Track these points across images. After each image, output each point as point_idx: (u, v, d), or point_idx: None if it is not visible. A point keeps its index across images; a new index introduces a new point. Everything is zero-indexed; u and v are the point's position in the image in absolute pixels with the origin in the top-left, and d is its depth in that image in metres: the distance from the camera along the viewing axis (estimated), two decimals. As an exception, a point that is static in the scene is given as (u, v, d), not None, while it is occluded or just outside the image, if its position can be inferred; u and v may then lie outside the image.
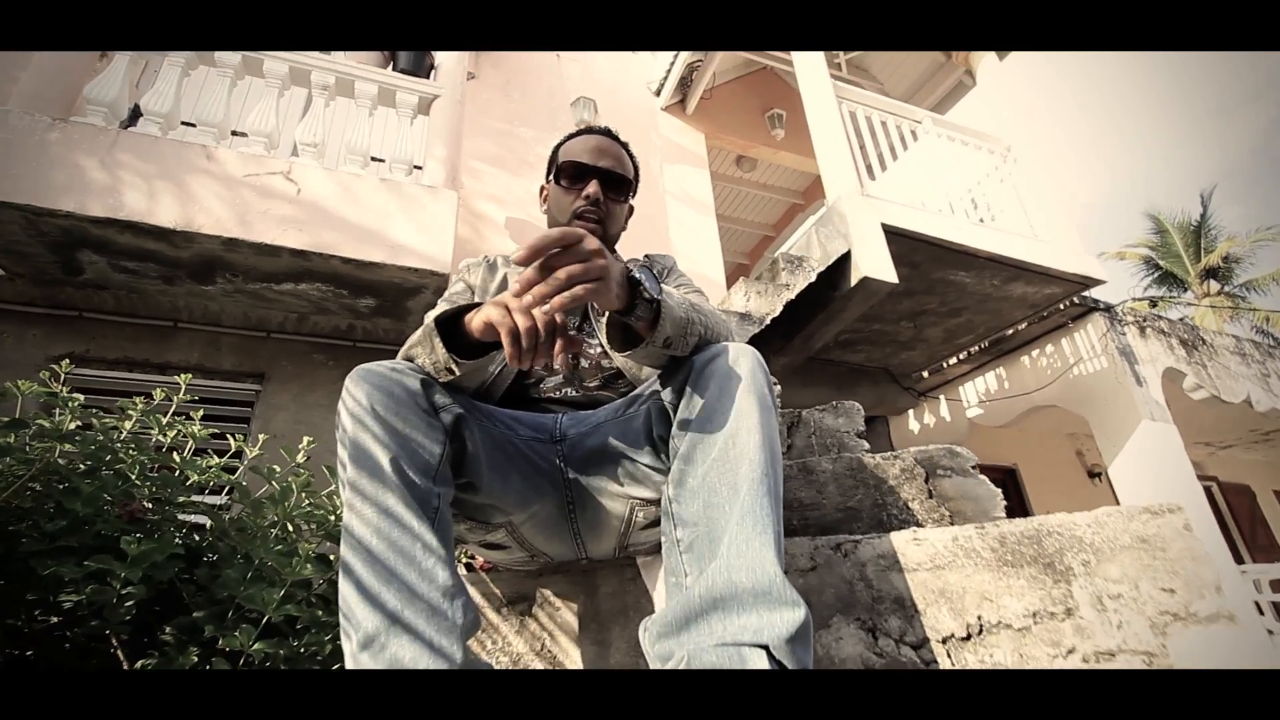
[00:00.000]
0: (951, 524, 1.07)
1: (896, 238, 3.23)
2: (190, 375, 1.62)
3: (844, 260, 3.09)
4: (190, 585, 1.32)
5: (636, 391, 0.87)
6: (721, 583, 0.60)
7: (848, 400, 1.44)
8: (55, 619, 1.28)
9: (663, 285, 0.77)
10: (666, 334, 0.75)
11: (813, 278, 2.97)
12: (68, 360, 1.60)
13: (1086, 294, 4.47)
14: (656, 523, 0.87)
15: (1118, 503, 6.02)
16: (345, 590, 0.65)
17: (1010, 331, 4.89)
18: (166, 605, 1.39)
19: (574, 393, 0.99)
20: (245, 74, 2.81)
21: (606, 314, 0.76)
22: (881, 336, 4.45)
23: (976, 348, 5.14)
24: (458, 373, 0.77)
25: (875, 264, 3.04)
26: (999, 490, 1.07)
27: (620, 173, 1.11)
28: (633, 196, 1.18)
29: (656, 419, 0.80)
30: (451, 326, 0.79)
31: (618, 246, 1.22)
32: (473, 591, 1.03)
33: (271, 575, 1.27)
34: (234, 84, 2.77)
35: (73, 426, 1.40)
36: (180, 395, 1.58)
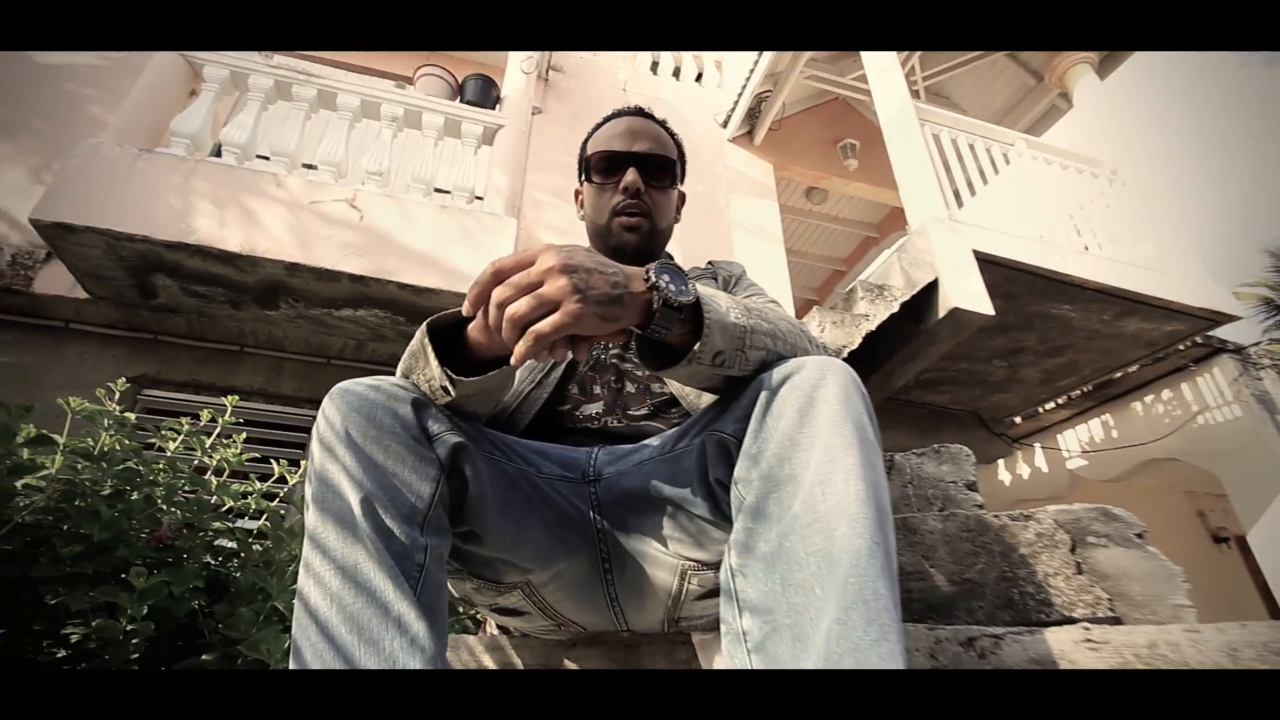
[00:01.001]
0: (1111, 609, 0.80)
1: (989, 266, 2.91)
2: (236, 398, 1.56)
3: (930, 290, 2.80)
4: (211, 621, 1.22)
5: (690, 420, 0.67)
6: None
7: (952, 445, 1.19)
8: (64, 652, 1.20)
9: (701, 286, 0.58)
10: (716, 346, 0.55)
11: (895, 308, 2.70)
12: (124, 379, 1.57)
13: (1211, 334, 3.95)
14: (717, 591, 0.66)
15: (1255, 574, 5.21)
16: None
17: (1119, 374, 4.36)
18: (189, 640, 1.29)
19: (616, 422, 0.80)
20: (320, 107, 2.89)
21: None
22: (969, 376, 4.05)
23: (1079, 391, 4.61)
24: (454, 394, 0.60)
25: (967, 294, 2.73)
26: (1179, 568, 0.80)
27: (661, 154, 0.93)
28: (681, 181, 0.99)
29: (714, 458, 0.59)
30: (455, 334, 0.63)
31: (672, 246, 1.05)
32: (486, 660, 0.84)
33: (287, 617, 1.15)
34: (309, 117, 2.84)
35: (118, 447, 1.35)
36: (226, 418, 1.52)
